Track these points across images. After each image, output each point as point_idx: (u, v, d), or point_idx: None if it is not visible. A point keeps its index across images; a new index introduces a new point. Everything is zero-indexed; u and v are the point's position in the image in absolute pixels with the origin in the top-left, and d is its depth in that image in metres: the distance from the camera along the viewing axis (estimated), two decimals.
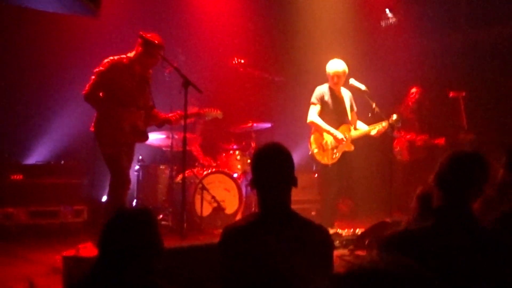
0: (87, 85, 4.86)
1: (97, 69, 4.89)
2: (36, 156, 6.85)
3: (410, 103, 7.43)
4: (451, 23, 8.14)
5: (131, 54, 4.97)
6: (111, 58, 4.91)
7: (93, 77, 4.87)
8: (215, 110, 5.79)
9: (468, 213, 2.05)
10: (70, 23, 6.61)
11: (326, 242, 2.30)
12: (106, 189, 6.84)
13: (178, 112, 5.28)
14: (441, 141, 7.25)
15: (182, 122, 4.93)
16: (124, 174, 4.98)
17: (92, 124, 5.00)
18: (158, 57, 4.90)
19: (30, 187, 6.13)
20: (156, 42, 4.86)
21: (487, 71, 7.69)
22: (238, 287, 2.22)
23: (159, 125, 5.36)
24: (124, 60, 4.94)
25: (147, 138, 5.24)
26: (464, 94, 6.83)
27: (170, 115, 5.30)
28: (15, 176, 6.15)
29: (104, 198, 6.88)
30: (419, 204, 2.67)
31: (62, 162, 6.60)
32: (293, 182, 2.30)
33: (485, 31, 7.88)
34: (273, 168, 2.29)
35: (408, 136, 7.17)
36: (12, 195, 6.01)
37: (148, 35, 4.90)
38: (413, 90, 7.52)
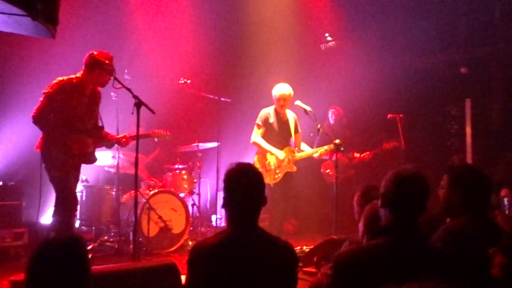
0: (36, 108, 4.72)
1: (45, 91, 4.76)
2: None
3: (330, 122, 7.83)
4: (389, 49, 8.58)
5: (79, 74, 4.91)
6: (60, 79, 4.81)
7: (41, 99, 4.75)
8: (165, 132, 5.80)
9: (416, 229, 2.18)
10: (15, 42, 6.43)
11: (292, 259, 2.39)
12: (46, 210, 6.68)
13: (127, 134, 5.27)
14: (366, 156, 7.61)
15: (132, 142, 4.91)
16: (72, 195, 4.90)
17: (38, 144, 4.86)
18: (107, 74, 4.84)
19: None
20: (106, 60, 4.82)
21: (423, 95, 8.15)
22: None
23: (109, 146, 5.36)
24: (74, 80, 4.86)
25: (95, 160, 5.17)
26: (401, 116, 7.18)
27: (119, 136, 5.27)
28: None
29: (45, 220, 6.68)
30: (367, 223, 2.79)
31: (1, 183, 6.34)
32: (263, 201, 2.37)
33: (421, 58, 8.37)
34: (247, 188, 2.36)
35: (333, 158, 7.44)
36: None
37: (96, 54, 4.86)
38: (332, 110, 7.90)
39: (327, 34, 9.39)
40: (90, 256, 2.11)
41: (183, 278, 3.36)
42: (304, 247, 5.58)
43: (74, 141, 4.84)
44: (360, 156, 7.66)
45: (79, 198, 6.26)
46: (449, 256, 2.21)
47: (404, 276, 2.06)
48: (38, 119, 4.72)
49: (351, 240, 3.33)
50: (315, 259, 4.76)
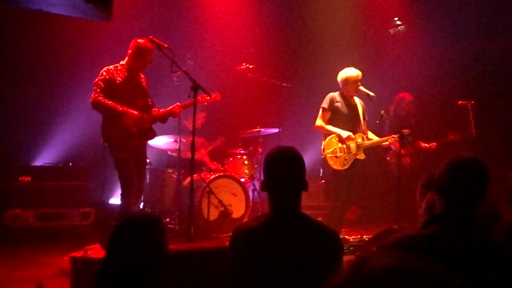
0: (92, 95, 5.04)
1: (96, 80, 5.09)
2: (45, 158, 6.89)
3: (396, 109, 7.48)
4: (460, 32, 8.14)
5: (123, 62, 5.19)
6: (106, 68, 5.13)
7: (94, 87, 5.06)
8: (213, 96, 5.63)
9: (470, 219, 2.03)
10: (81, 28, 6.67)
11: (336, 246, 2.29)
12: (114, 192, 6.94)
13: (177, 104, 5.42)
14: (432, 146, 7.27)
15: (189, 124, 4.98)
16: (131, 179, 5.09)
17: (101, 128, 5.13)
18: (148, 60, 5.14)
19: (38, 189, 6.16)
20: (146, 47, 5.08)
21: (495, 80, 7.68)
22: (247, 287, 2.22)
23: (163, 121, 5.49)
24: (118, 67, 5.17)
25: (154, 135, 5.39)
26: (472, 102, 6.81)
27: (170, 107, 5.41)
28: (24, 178, 6.17)
29: (112, 201, 6.94)
30: (427, 211, 2.65)
31: (70, 164, 6.63)
32: (304, 186, 2.31)
33: (494, 41, 7.88)
34: (285, 172, 2.30)
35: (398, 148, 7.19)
36: (20, 197, 6.04)
37: (141, 41, 5.12)
38: (401, 96, 7.53)
39: (396, 18, 9.05)
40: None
41: None
42: (364, 237, 5.46)
43: (130, 121, 5.07)
44: (426, 146, 7.35)
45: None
46: (508, 249, 2.04)
47: (453, 266, 1.92)
48: (94, 106, 5.04)
49: (405, 232, 3.19)
50: (374, 248, 4.63)
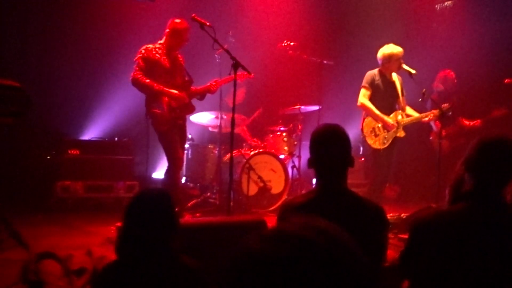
0: (132, 73, 5.31)
1: (136, 58, 5.34)
2: (92, 133, 7.17)
3: (440, 86, 7.33)
4: (509, 7, 7.87)
5: (162, 41, 5.44)
6: (145, 46, 5.38)
7: (134, 66, 5.32)
8: (248, 74, 5.39)
9: (498, 197, 2.06)
10: (126, 7, 6.84)
11: (382, 221, 2.34)
12: (157, 166, 7.17)
13: (214, 80, 5.66)
14: (476, 123, 7.13)
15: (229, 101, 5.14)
16: (176, 151, 5.36)
17: (145, 103, 5.40)
18: (184, 39, 5.39)
19: (86, 162, 6.42)
20: (182, 26, 5.34)
21: None
22: None
23: (201, 97, 5.72)
24: (157, 46, 5.41)
25: (193, 109, 5.65)
26: None
27: (207, 84, 5.65)
28: (72, 151, 6.45)
29: (155, 175, 7.17)
30: (453, 189, 2.68)
31: (116, 139, 6.86)
32: (350, 163, 2.37)
33: None
34: (331, 149, 2.34)
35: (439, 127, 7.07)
36: (69, 170, 6.31)
37: (178, 21, 5.37)
38: (443, 73, 7.36)
39: None
40: (176, 209, 2.31)
41: None
42: (402, 214, 5.48)
43: (170, 95, 5.33)
44: (470, 123, 7.22)
45: (185, 156, 6.68)
46: None
47: (482, 242, 1.96)
48: (134, 83, 5.31)
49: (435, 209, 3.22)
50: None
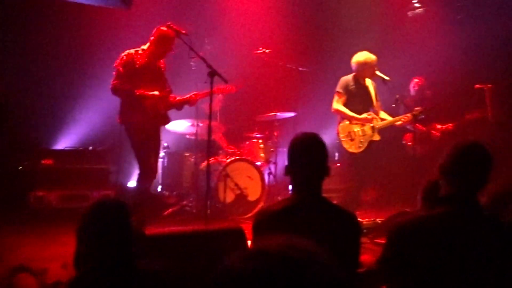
0: (112, 80, 5.23)
1: (116, 64, 5.25)
2: (65, 142, 7.07)
3: (412, 93, 7.52)
4: (481, 14, 8.05)
5: (145, 47, 5.34)
6: (127, 52, 5.29)
7: (114, 72, 5.25)
8: (229, 87, 5.73)
9: (474, 201, 2.11)
10: (100, 13, 6.76)
11: (355, 227, 2.39)
12: (132, 175, 7.10)
13: (194, 93, 5.57)
14: (449, 127, 7.27)
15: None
16: (149, 161, 5.30)
17: (118, 115, 5.34)
18: (169, 48, 5.28)
19: (60, 172, 6.33)
20: (169, 34, 5.20)
21: None
22: None
23: (179, 108, 5.65)
24: (140, 52, 5.31)
25: (169, 121, 5.60)
26: (490, 86, 6.78)
27: (186, 96, 5.57)
28: (46, 161, 6.35)
29: (130, 184, 7.10)
30: (425, 194, 2.73)
31: (90, 148, 6.78)
32: (326, 171, 2.39)
33: None
34: (309, 158, 2.38)
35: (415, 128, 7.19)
36: (42, 180, 6.21)
37: (164, 28, 5.21)
38: (415, 80, 7.57)
39: (415, 0, 8.97)
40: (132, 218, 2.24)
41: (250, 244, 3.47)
42: (377, 219, 5.54)
43: (147, 105, 5.24)
44: (442, 127, 7.35)
45: (160, 164, 6.63)
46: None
47: (461, 246, 2.00)
48: (114, 91, 5.23)
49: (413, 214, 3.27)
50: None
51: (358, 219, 5.52)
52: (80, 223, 2.12)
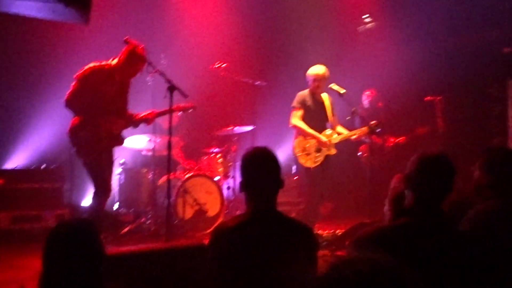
0: (68, 92, 4.86)
1: (77, 75, 4.89)
2: (17, 161, 6.82)
3: (365, 105, 7.74)
4: (428, 29, 8.35)
5: (113, 62, 4.99)
6: (93, 64, 4.93)
7: (73, 83, 4.88)
8: (189, 105, 5.54)
9: (438, 211, 2.16)
10: (52, 29, 6.60)
11: (311, 242, 2.41)
12: (86, 193, 6.91)
13: (152, 111, 5.32)
14: (401, 140, 7.49)
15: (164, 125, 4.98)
16: (104, 181, 4.99)
17: (68, 131, 4.98)
18: (140, 68, 4.97)
19: (11, 192, 6.10)
20: (142, 54, 4.91)
21: (463, 76, 7.91)
22: (227, 286, 2.30)
23: (135, 126, 5.36)
24: (106, 67, 4.96)
25: (123, 141, 5.26)
26: (440, 98, 7.03)
27: (143, 114, 5.31)
28: None
29: (85, 202, 6.91)
30: (393, 206, 2.78)
31: (43, 166, 6.58)
32: (280, 184, 2.40)
33: (462, 38, 8.11)
34: (262, 171, 2.40)
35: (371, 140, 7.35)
36: None
37: (137, 48, 4.91)
38: (367, 92, 7.81)
39: (365, 16, 9.23)
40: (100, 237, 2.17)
41: None
42: (337, 231, 5.60)
43: (102, 123, 4.94)
44: (395, 140, 7.56)
45: (117, 181, 6.49)
46: (475, 239, 2.18)
47: (425, 257, 2.04)
48: (69, 103, 4.85)
49: (377, 225, 3.32)
50: (347, 242, 4.76)
51: (318, 231, 5.63)
52: (47, 243, 2.02)
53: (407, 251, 2.06)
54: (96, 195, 4.99)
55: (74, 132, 4.92)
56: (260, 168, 2.40)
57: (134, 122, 5.26)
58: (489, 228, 2.54)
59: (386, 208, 2.72)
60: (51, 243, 2.03)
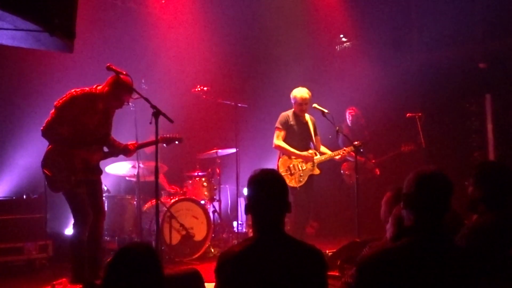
0: (46, 121, 4.60)
1: (57, 103, 4.63)
2: None
3: (348, 123, 7.81)
4: (404, 46, 8.51)
5: (98, 88, 4.78)
6: (74, 91, 4.66)
7: (53, 111, 4.62)
8: (175, 135, 5.36)
9: (439, 229, 2.16)
10: (30, 56, 6.52)
11: (320, 263, 2.37)
12: (69, 221, 6.75)
13: (134, 143, 5.09)
14: (384, 158, 7.57)
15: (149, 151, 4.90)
16: (84, 209, 4.71)
17: (42, 161, 4.70)
18: (127, 99, 4.79)
19: None
20: (127, 83, 4.72)
21: (441, 92, 8.05)
22: None
23: (115, 155, 5.08)
24: (87, 94, 4.70)
25: (100, 173, 4.97)
26: (420, 114, 7.12)
27: (123, 145, 5.05)
28: None
29: (67, 231, 6.75)
30: (395, 224, 2.77)
31: (24, 197, 6.43)
32: (287, 207, 2.37)
33: (438, 54, 8.27)
34: (269, 195, 2.36)
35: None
36: None
37: (123, 78, 4.70)
38: (349, 110, 7.88)
39: (342, 35, 9.37)
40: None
41: (207, 285, 3.36)
42: (327, 251, 5.56)
43: (76, 155, 4.67)
44: (378, 158, 7.63)
45: None
46: (473, 254, 2.18)
47: (429, 276, 2.03)
48: (46, 133, 4.60)
49: (370, 245, 3.32)
50: (338, 262, 4.73)
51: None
52: (110, 267, 1.99)
53: (414, 272, 2.04)
54: (75, 225, 4.78)
55: (48, 161, 4.63)
56: (268, 190, 2.37)
57: (112, 153, 5.01)
58: (485, 243, 2.55)
59: (388, 225, 2.71)
60: (114, 267, 2.00)
